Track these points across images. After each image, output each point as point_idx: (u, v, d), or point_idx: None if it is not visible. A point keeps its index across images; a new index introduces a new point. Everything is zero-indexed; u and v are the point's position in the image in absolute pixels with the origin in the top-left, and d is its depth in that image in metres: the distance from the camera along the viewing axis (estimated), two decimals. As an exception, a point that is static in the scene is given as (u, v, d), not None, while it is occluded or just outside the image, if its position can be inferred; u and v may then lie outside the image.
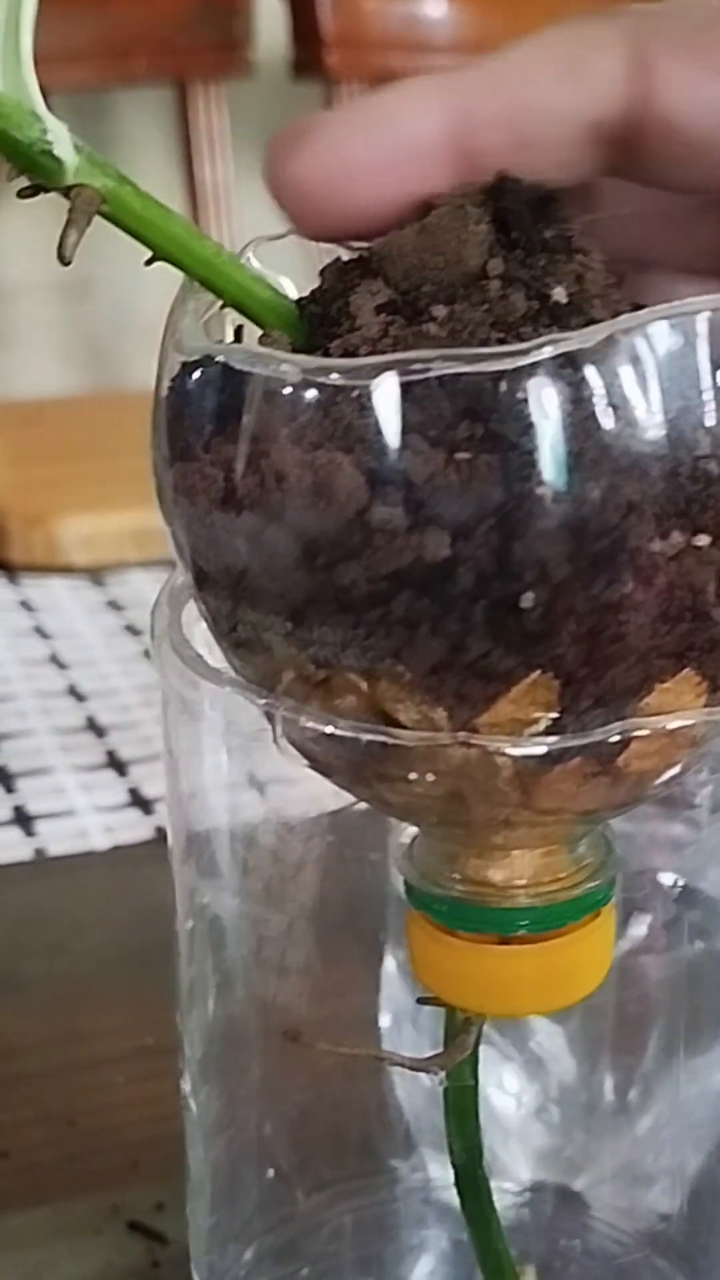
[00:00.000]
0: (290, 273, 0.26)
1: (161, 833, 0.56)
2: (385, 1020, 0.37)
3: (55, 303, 1.36)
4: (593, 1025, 0.39)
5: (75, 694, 0.66)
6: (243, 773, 0.29)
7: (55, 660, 0.69)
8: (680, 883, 0.38)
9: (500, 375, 0.20)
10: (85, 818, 0.57)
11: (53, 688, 0.67)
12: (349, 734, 0.23)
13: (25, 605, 0.75)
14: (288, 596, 0.22)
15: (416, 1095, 0.37)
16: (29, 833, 0.56)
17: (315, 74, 1.12)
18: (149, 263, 0.25)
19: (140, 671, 0.68)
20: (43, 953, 0.50)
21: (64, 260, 0.23)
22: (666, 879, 0.38)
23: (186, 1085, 0.30)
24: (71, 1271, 0.39)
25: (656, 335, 0.20)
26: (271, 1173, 0.32)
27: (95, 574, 0.78)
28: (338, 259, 0.25)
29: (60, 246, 0.23)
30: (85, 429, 0.95)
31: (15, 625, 0.72)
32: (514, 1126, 0.39)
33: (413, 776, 0.23)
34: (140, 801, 0.58)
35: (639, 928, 0.38)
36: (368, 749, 0.23)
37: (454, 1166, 0.31)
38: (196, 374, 0.22)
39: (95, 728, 0.63)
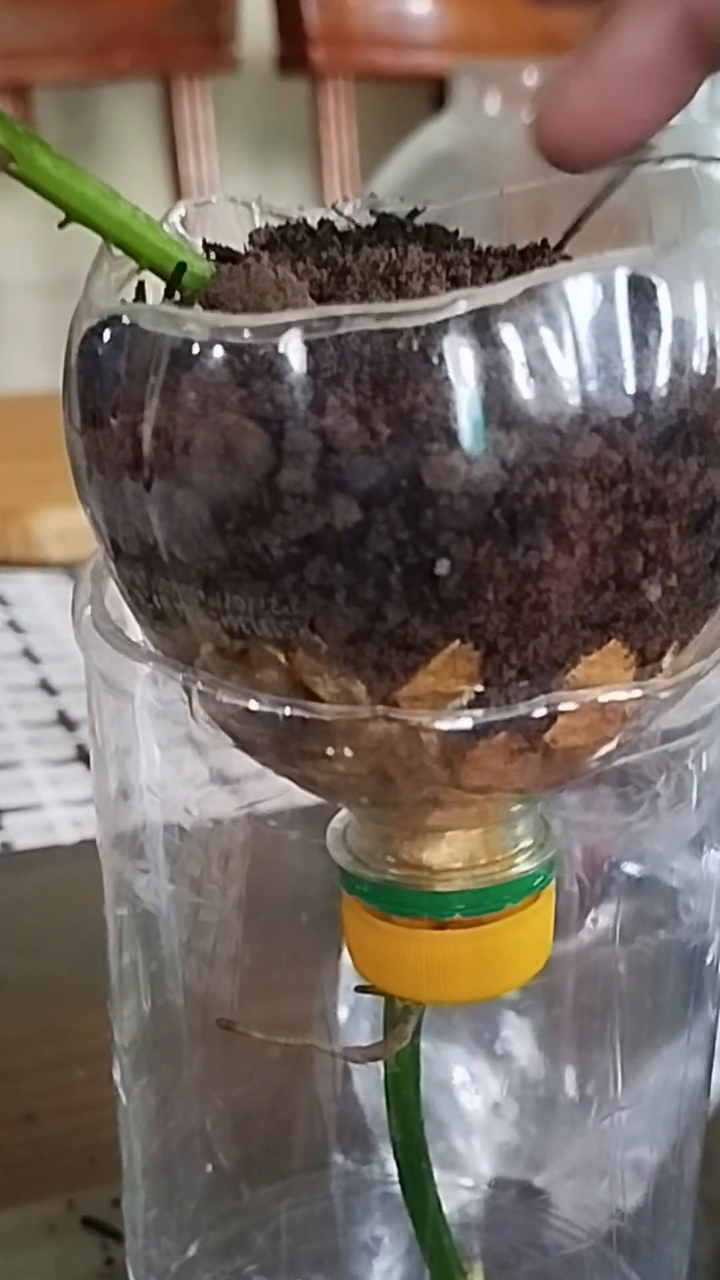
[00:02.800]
0: (222, 239, 0.26)
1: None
2: (343, 1013, 0.37)
3: (42, 300, 1.35)
4: (554, 1018, 0.39)
5: (47, 688, 0.66)
6: (173, 748, 0.28)
7: (28, 654, 0.69)
8: (642, 873, 0.37)
9: (412, 332, 0.19)
10: (53, 811, 0.56)
11: (24, 681, 0.66)
12: (267, 709, 0.22)
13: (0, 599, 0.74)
14: (199, 564, 0.21)
15: (371, 1088, 0.36)
16: (-6, 826, 0.55)
17: (300, 70, 1.11)
18: (62, 225, 0.24)
19: (113, 666, 0.67)
20: (12, 948, 0.50)
21: None
22: (628, 869, 0.37)
23: (117, 1074, 0.30)
24: (24, 1267, 0.38)
25: (574, 291, 0.20)
26: (210, 1168, 0.31)
27: (71, 569, 0.77)
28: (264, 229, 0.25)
29: None
30: (61, 425, 0.95)
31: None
32: (474, 1122, 0.39)
33: (331, 752, 0.22)
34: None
35: (601, 919, 0.37)
36: (287, 724, 0.22)
37: (396, 1160, 0.30)
38: (106, 337, 0.22)
39: (66, 722, 0.63)
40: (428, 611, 0.20)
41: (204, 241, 0.24)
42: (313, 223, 0.25)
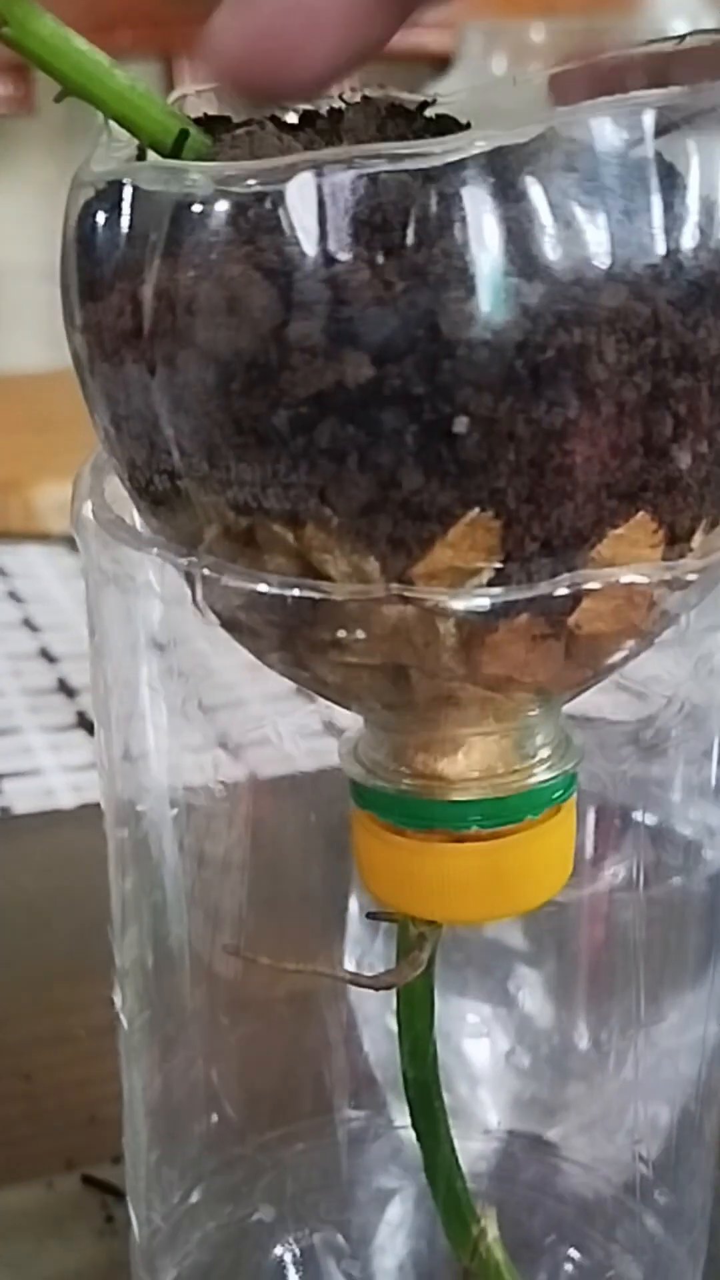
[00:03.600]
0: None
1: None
2: (350, 965, 0.36)
3: (43, 283, 1.34)
4: (568, 968, 0.38)
5: (47, 656, 0.64)
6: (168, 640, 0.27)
7: (28, 624, 0.68)
8: (657, 823, 0.36)
9: (427, 175, 0.18)
10: (52, 777, 0.55)
11: (24, 650, 0.65)
12: (274, 590, 0.21)
13: (0, 571, 0.73)
14: (202, 432, 0.20)
15: (379, 1036, 0.35)
16: (-7, 790, 0.54)
17: (303, 48, 1.10)
18: (59, 98, 0.23)
19: (115, 634, 0.66)
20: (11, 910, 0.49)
21: None
22: (644, 820, 0.36)
23: (119, 999, 0.28)
24: (24, 1225, 0.37)
25: (599, 132, 0.19)
26: (215, 1115, 0.30)
27: (71, 541, 0.76)
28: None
29: None
30: (63, 401, 0.93)
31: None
32: (488, 1073, 0.38)
33: (343, 635, 0.21)
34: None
35: (616, 869, 0.36)
36: (296, 609, 0.21)
37: (408, 1099, 0.29)
38: (104, 204, 0.21)
39: (66, 689, 0.62)
40: (445, 475, 0.19)
41: (204, 114, 0.23)
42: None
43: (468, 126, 0.24)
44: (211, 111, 0.25)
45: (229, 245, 0.19)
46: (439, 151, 0.18)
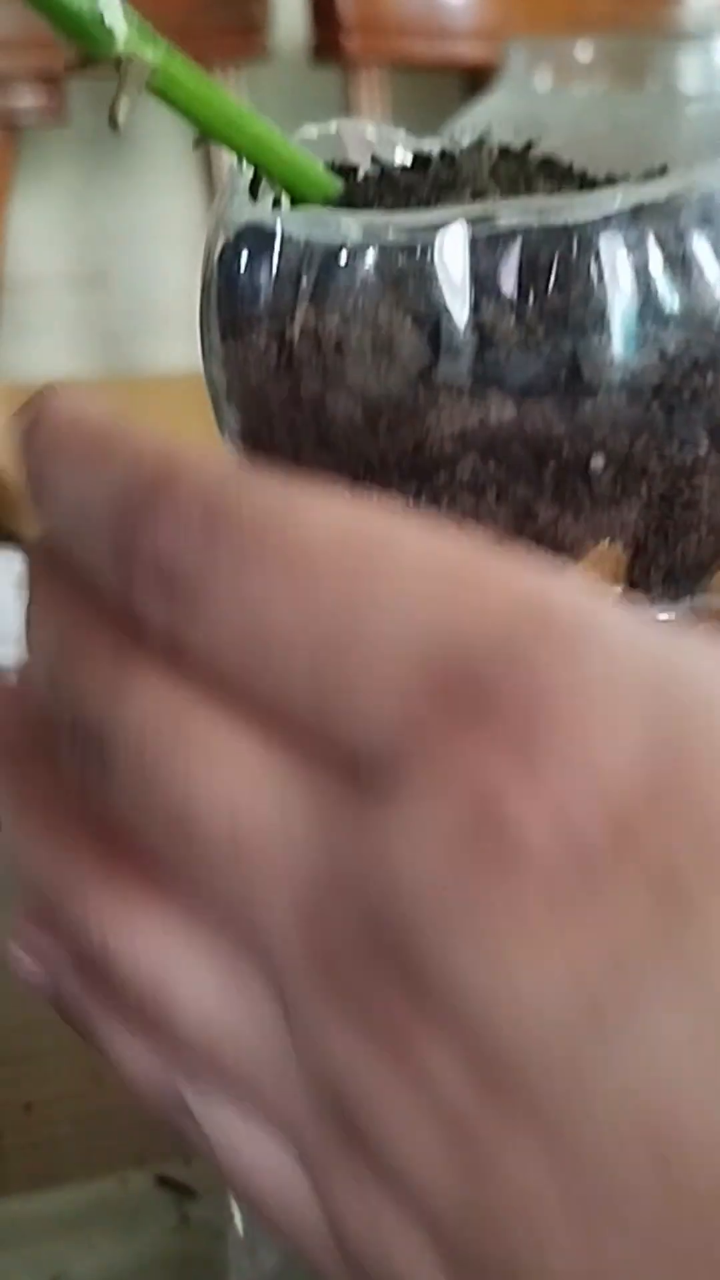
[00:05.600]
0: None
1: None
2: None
3: (72, 292, 1.35)
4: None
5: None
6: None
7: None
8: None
9: (571, 228, 0.19)
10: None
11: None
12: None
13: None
14: (347, 465, 0.21)
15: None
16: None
17: (334, 58, 1.12)
18: (197, 144, 0.24)
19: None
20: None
21: (114, 126, 0.22)
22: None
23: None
24: (98, 1227, 0.38)
25: (730, 189, 0.20)
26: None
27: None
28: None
29: (111, 113, 0.22)
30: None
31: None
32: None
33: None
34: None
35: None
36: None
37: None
38: (247, 246, 0.22)
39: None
40: (579, 509, 0.20)
41: (331, 162, 0.24)
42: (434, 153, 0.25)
43: (570, 167, 0.25)
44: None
45: (378, 291, 0.20)
46: (580, 205, 0.19)
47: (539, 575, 0.16)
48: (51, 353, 1.34)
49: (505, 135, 0.25)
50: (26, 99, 1.10)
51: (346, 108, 1.13)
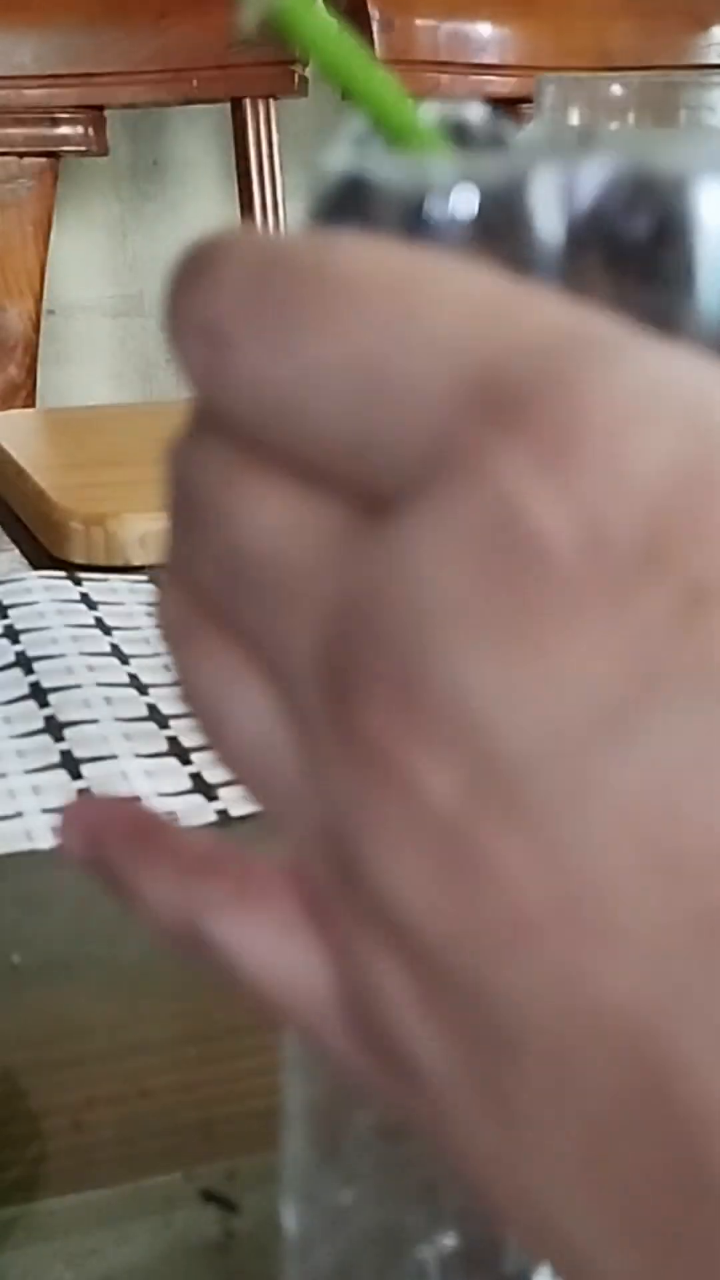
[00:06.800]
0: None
1: (225, 816, 0.56)
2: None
3: (108, 319, 1.37)
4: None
5: (137, 686, 0.67)
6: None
7: (117, 653, 0.70)
8: None
9: (667, 175, 0.19)
10: (147, 802, 0.57)
11: (116, 679, 0.67)
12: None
13: (86, 601, 0.75)
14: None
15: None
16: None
17: (368, 91, 1.13)
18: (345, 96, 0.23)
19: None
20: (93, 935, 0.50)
21: (241, 38, 0.22)
22: None
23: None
24: (144, 1240, 0.39)
25: None
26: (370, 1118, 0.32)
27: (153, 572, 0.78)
28: None
29: (241, 24, 0.22)
30: (140, 436, 0.96)
31: (78, 620, 0.73)
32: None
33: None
34: (203, 787, 0.58)
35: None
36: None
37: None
38: (340, 198, 0.21)
39: (157, 718, 0.64)
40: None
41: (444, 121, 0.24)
42: None
43: None
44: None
45: (470, 234, 0.20)
46: (679, 154, 0.20)
47: (581, 309, 0.16)
48: (91, 379, 1.36)
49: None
50: (67, 129, 1.12)
51: (380, 139, 1.14)
